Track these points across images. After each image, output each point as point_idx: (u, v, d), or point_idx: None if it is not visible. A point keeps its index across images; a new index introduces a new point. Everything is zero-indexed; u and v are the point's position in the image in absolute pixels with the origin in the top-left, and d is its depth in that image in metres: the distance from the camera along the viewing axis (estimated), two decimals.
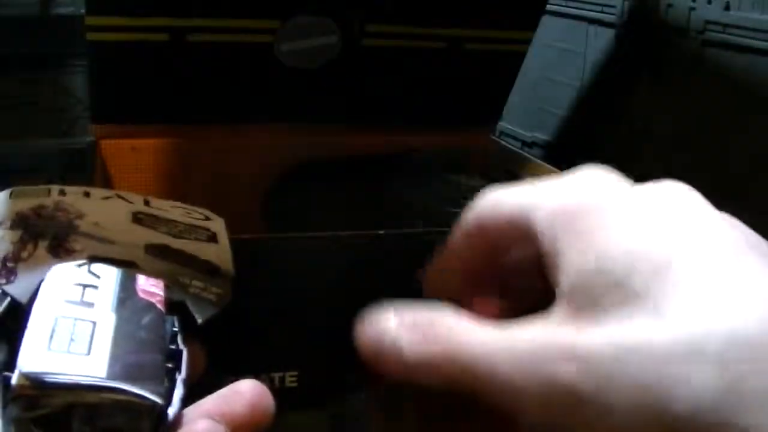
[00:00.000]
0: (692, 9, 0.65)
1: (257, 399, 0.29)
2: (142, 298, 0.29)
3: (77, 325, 0.27)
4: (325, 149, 0.76)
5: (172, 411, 0.26)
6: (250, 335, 0.53)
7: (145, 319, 0.28)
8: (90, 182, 0.62)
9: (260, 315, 0.53)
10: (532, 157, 0.76)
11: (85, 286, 0.29)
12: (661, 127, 0.68)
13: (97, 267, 0.30)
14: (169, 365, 0.28)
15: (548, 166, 0.72)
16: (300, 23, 0.67)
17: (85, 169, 0.70)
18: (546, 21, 0.76)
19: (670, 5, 0.67)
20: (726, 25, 0.62)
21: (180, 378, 0.28)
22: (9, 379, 0.24)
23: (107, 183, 0.71)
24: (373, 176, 0.74)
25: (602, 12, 0.75)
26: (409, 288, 0.59)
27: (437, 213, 0.68)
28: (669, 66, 0.67)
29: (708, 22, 0.63)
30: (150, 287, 0.30)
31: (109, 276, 0.30)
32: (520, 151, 0.79)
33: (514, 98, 0.81)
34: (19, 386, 0.24)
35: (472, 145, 0.81)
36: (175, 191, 0.74)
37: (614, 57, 0.74)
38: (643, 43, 0.70)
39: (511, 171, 0.77)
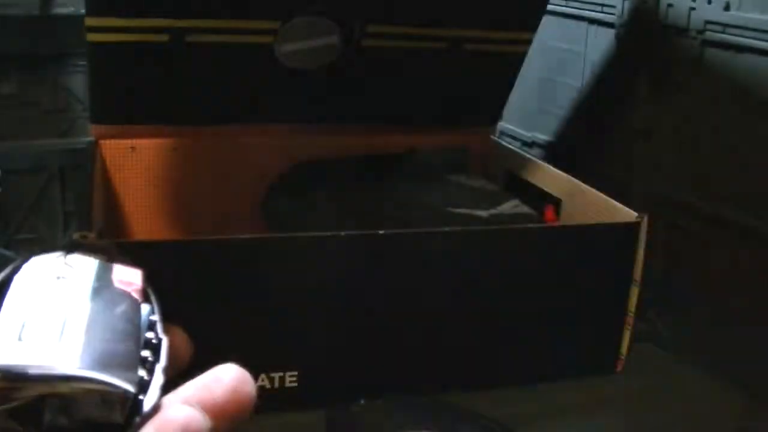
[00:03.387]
0: (692, 9, 0.65)
1: (238, 385, 0.29)
2: (117, 288, 0.29)
3: (50, 315, 0.26)
4: (325, 149, 0.76)
5: (150, 400, 0.26)
6: (251, 335, 0.53)
7: (120, 308, 0.28)
8: (90, 182, 0.62)
9: (260, 315, 0.53)
10: (532, 157, 0.76)
11: (60, 277, 0.28)
12: (661, 127, 0.68)
13: (73, 258, 0.30)
14: (147, 354, 0.28)
15: (548, 166, 0.72)
16: (300, 24, 0.67)
17: (85, 169, 0.70)
18: (546, 21, 0.76)
19: (670, 5, 0.67)
20: (726, 25, 0.62)
21: (159, 367, 0.28)
22: None
23: (107, 183, 0.71)
24: (373, 176, 0.74)
25: (602, 12, 0.75)
26: (409, 287, 0.59)
27: (437, 213, 0.68)
28: (669, 66, 0.67)
29: (708, 22, 0.63)
30: (127, 277, 0.30)
31: (86, 266, 0.30)
32: (520, 151, 0.79)
33: (514, 98, 0.81)
34: None
35: (472, 145, 0.81)
36: (175, 191, 0.74)
37: (614, 57, 0.74)
38: (643, 43, 0.70)
39: (511, 171, 0.77)
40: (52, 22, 0.88)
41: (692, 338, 0.64)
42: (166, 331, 0.30)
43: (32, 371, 0.24)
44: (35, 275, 0.28)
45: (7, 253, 0.80)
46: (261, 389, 0.54)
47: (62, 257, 0.30)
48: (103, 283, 0.29)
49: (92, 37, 0.62)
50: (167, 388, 0.28)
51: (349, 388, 0.52)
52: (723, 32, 0.62)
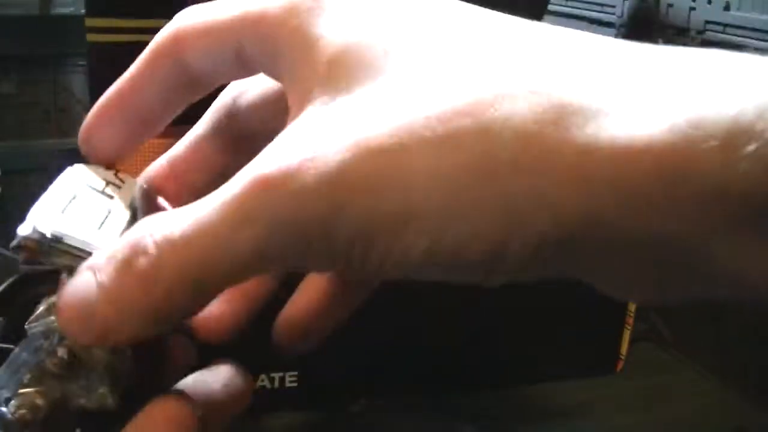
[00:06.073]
0: (692, 9, 0.65)
1: (232, 378, 0.29)
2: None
3: (94, 205, 0.27)
4: None
5: (150, 389, 0.27)
6: (251, 335, 0.53)
7: None
8: None
9: (260, 315, 0.53)
10: None
11: (109, 182, 0.29)
12: None
13: (124, 174, 0.31)
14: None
15: None
16: None
17: None
18: (546, 21, 0.76)
19: (670, 5, 0.67)
20: (726, 25, 0.62)
21: (158, 365, 0.28)
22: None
23: None
24: None
25: (602, 12, 0.75)
26: (409, 288, 0.59)
27: None
28: None
29: (708, 22, 0.63)
30: (168, 207, 0.31)
31: (133, 185, 0.31)
32: None
33: None
34: (25, 237, 0.24)
35: None
36: None
37: None
38: (643, 43, 0.70)
39: None
40: (52, 22, 0.88)
41: (692, 338, 0.64)
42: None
43: (67, 240, 0.25)
44: (86, 172, 0.29)
45: (7, 253, 0.80)
46: (261, 389, 0.54)
47: (113, 171, 0.30)
48: (146, 204, 0.31)
49: (92, 37, 0.62)
50: (168, 389, 0.28)
51: (349, 388, 0.52)
52: (723, 32, 0.62)
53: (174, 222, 0.21)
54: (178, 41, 0.26)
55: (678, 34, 0.66)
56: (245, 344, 0.53)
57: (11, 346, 0.26)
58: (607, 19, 0.74)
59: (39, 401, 0.25)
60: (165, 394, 0.27)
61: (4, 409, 0.25)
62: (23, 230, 0.25)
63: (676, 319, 0.66)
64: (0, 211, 0.90)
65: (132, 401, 0.27)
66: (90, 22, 0.62)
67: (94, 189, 0.28)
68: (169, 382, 0.28)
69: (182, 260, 0.21)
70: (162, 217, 0.22)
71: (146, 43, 0.31)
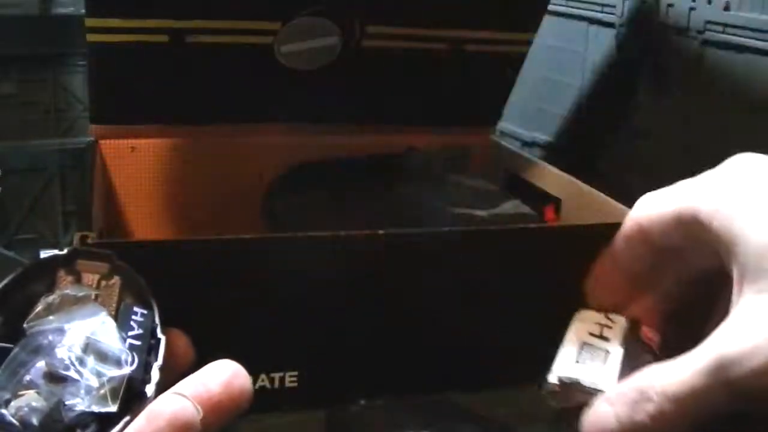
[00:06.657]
0: (692, 9, 0.65)
1: (232, 379, 0.29)
2: (642, 343, 0.37)
3: (596, 349, 0.36)
4: (325, 149, 0.76)
5: (150, 390, 0.27)
6: (251, 335, 0.53)
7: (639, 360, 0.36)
8: (90, 182, 0.62)
9: (260, 315, 0.53)
10: (532, 157, 0.76)
11: (599, 324, 0.38)
12: (661, 127, 0.68)
13: (613, 315, 0.38)
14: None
15: (548, 166, 0.72)
16: (300, 25, 0.67)
17: (84, 169, 0.70)
18: (546, 21, 0.76)
19: (670, 5, 0.67)
20: (726, 25, 0.62)
21: (156, 365, 0.28)
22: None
23: (107, 183, 0.71)
24: (374, 176, 0.74)
25: (602, 12, 0.75)
26: (409, 287, 0.59)
27: (437, 213, 0.68)
28: (669, 66, 0.67)
29: (708, 22, 0.63)
30: (648, 337, 0.38)
31: (620, 322, 0.38)
32: (520, 151, 0.79)
33: (514, 98, 0.81)
34: (553, 383, 0.35)
35: (472, 145, 0.81)
36: (175, 191, 0.74)
37: (614, 57, 0.74)
38: (643, 43, 0.70)
39: (511, 171, 0.77)
40: (52, 22, 0.88)
41: None
42: (166, 334, 0.30)
43: (582, 382, 0.34)
44: (587, 315, 0.40)
45: (7, 253, 0.80)
46: (261, 389, 0.54)
47: (603, 313, 0.39)
48: (632, 337, 0.38)
49: (92, 37, 0.62)
50: (168, 388, 0.28)
51: (349, 388, 0.52)
52: (723, 32, 0.62)
53: (666, 379, 0.31)
54: (642, 229, 0.35)
55: (678, 34, 0.66)
56: (245, 344, 0.53)
57: (10, 345, 0.26)
58: (607, 19, 0.74)
59: (38, 403, 0.25)
60: (166, 394, 0.27)
61: (4, 411, 0.25)
62: (551, 378, 0.35)
63: None
64: (0, 211, 0.90)
65: (131, 403, 0.27)
66: (90, 22, 0.62)
67: (594, 335, 0.37)
68: (170, 382, 0.28)
69: (673, 410, 0.30)
70: (657, 373, 0.31)
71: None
